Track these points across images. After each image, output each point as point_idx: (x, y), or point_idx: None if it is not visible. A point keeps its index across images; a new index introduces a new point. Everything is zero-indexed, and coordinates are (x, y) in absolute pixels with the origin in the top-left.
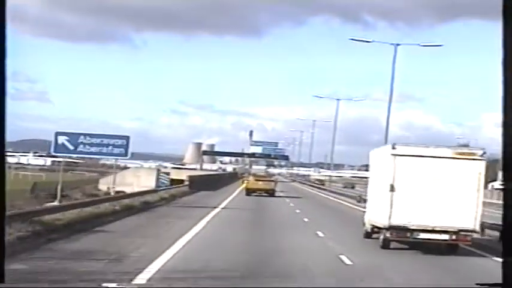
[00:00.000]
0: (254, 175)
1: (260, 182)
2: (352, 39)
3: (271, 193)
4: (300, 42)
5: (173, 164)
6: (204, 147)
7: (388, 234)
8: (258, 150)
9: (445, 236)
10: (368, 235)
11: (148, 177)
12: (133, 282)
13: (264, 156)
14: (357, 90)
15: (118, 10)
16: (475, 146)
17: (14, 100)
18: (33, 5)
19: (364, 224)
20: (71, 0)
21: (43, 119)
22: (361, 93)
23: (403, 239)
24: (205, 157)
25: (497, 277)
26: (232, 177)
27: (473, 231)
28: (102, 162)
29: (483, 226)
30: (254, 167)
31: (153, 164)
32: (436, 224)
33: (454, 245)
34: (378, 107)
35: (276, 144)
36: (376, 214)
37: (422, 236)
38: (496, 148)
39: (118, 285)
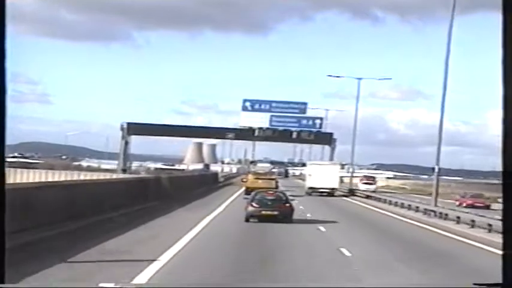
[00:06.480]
0: (254, 173)
1: (260, 181)
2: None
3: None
4: (306, 39)
5: (167, 164)
6: (204, 148)
7: (309, 190)
8: (259, 122)
9: (327, 190)
10: (307, 192)
11: None
12: (132, 282)
13: (277, 136)
14: (363, 88)
15: (120, 8)
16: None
17: (14, 102)
18: (32, 3)
19: (306, 189)
20: None
21: (44, 122)
22: (367, 92)
23: (314, 192)
24: (206, 156)
25: (497, 277)
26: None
27: (336, 188)
28: (77, 163)
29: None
30: (260, 165)
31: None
32: (324, 186)
33: (331, 193)
34: (383, 105)
35: (304, 106)
36: (307, 183)
37: (320, 190)
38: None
39: (115, 284)
